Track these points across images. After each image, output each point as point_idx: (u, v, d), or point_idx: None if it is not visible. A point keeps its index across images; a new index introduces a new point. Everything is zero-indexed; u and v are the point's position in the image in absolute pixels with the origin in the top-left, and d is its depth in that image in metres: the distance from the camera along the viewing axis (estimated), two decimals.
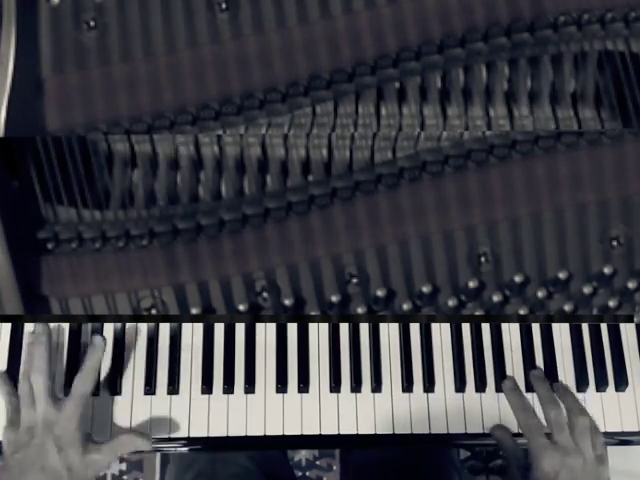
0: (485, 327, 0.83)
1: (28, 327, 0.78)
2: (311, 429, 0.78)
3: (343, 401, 0.79)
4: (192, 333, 0.80)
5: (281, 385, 0.78)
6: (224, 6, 0.65)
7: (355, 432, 0.78)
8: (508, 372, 0.81)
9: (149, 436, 0.74)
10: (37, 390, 0.70)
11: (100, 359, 0.75)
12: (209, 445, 0.76)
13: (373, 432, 0.78)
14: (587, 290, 0.68)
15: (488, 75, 0.67)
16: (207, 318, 0.68)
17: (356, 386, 0.79)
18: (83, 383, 0.72)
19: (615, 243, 0.68)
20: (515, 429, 0.79)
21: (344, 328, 0.81)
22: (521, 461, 0.74)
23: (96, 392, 0.77)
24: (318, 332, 0.81)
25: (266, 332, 0.80)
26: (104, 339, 0.76)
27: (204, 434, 0.76)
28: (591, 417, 0.75)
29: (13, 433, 0.70)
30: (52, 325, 0.79)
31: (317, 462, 1.48)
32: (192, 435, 0.77)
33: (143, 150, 0.66)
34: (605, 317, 0.70)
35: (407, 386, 0.79)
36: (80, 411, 0.70)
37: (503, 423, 0.79)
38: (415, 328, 0.82)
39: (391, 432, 0.78)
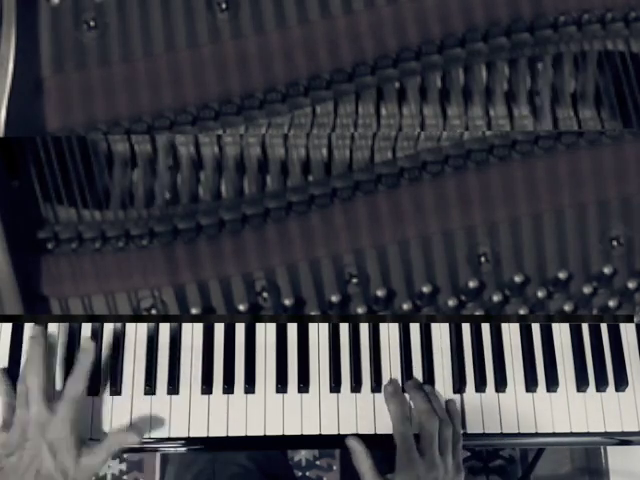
0: (485, 327, 0.83)
1: (28, 327, 0.78)
2: (311, 429, 0.78)
3: (343, 401, 0.79)
4: (192, 333, 0.80)
5: (281, 385, 0.78)
6: (224, 6, 0.65)
7: (355, 432, 0.78)
8: (508, 372, 0.81)
9: (140, 429, 0.74)
10: (32, 392, 0.70)
11: (91, 361, 0.73)
12: (209, 445, 0.76)
13: (373, 432, 0.78)
14: (587, 290, 0.68)
15: (488, 75, 0.67)
16: (207, 318, 0.68)
17: (356, 386, 0.79)
18: (75, 386, 0.71)
19: (615, 243, 0.68)
20: (519, 429, 0.79)
21: (344, 328, 0.81)
22: (374, 469, 0.74)
23: (96, 392, 0.77)
24: (318, 332, 0.81)
25: (266, 332, 0.80)
26: (93, 341, 0.75)
27: (204, 434, 0.76)
28: (456, 424, 0.76)
29: (5, 434, 0.69)
30: (51, 325, 0.79)
31: (317, 462, 1.48)
32: (192, 435, 0.77)
33: (143, 150, 0.66)
34: (605, 317, 0.70)
35: None
36: (73, 414, 0.70)
37: (504, 423, 0.79)
38: (415, 328, 0.82)
39: (391, 432, 0.78)
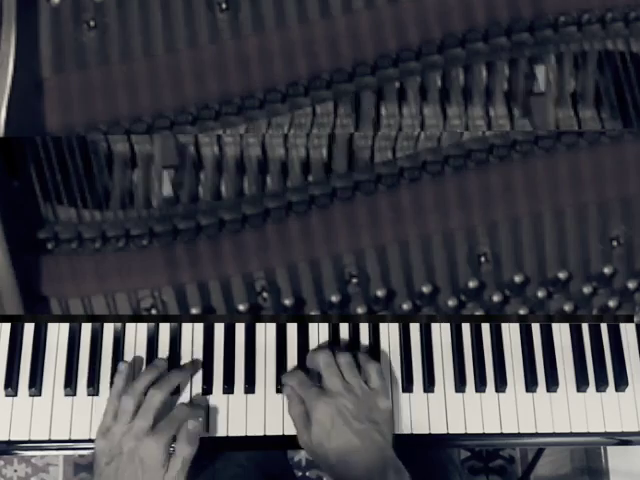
0: (485, 327, 0.83)
1: (28, 327, 0.78)
2: None
3: None
4: (192, 333, 0.80)
5: (281, 385, 0.78)
6: (224, 6, 0.65)
7: None
8: (508, 372, 0.81)
9: (196, 440, 0.74)
10: (149, 405, 0.71)
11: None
12: (209, 445, 0.76)
13: None
14: (587, 290, 0.68)
15: (488, 75, 0.67)
16: (207, 318, 0.68)
17: None
18: (185, 410, 0.73)
19: (615, 243, 0.68)
20: (519, 429, 0.79)
21: (344, 328, 0.81)
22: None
23: (96, 392, 0.77)
24: (318, 332, 0.81)
25: (266, 332, 0.80)
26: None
27: (204, 434, 0.76)
28: (362, 353, 0.77)
29: (107, 442, 0.71)
30: (51, 325, 0.79)
31: None
32: None
33: (143, 150, 0.66)
34: (605, 317, 0.70)
35: (407, 386, 0.79)
36: (172, 434, 0.71)
37: (504, 423, 0.79)
38: (415, 328, 0.82)
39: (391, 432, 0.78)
